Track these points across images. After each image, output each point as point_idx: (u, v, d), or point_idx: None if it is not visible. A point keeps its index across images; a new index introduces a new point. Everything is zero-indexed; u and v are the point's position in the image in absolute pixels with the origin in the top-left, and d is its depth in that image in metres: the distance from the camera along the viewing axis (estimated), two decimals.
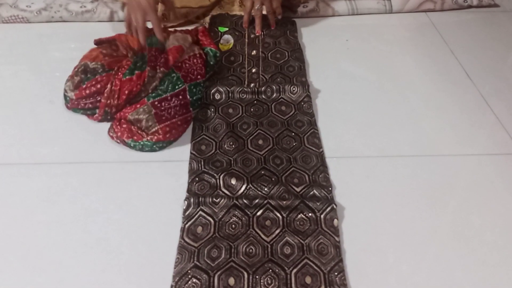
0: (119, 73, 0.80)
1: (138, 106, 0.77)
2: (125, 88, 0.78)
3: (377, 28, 1.11)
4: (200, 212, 0.66)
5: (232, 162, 0.74)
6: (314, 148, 0.77)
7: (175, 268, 0.59)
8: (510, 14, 1.18)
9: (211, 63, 0.89)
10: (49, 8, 1.12)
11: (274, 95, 0.87)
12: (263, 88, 0.87)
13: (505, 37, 1.08)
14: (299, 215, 0.66)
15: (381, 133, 0.81)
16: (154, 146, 0.76)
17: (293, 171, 0.73)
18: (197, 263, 0.60)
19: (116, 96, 0.78)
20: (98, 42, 0.89)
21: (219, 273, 0.59)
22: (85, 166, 0.74)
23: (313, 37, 1.07)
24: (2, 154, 0.76)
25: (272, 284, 0.58)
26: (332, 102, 0.88)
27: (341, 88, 0.91)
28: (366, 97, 0.89)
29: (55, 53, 1.00)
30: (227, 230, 0.64)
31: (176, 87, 0.80)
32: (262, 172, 0.72)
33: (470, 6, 1.18)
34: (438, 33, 1.09)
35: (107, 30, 0.93)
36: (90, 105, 0.80)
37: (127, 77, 0.79)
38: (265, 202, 0.67)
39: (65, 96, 0.83)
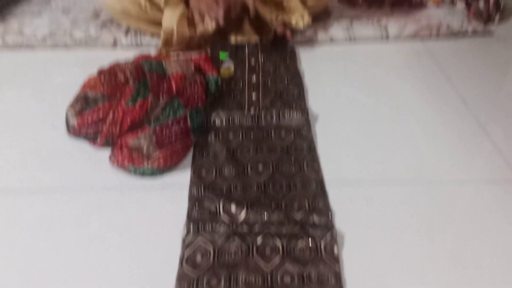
0: (122, 101, 0.81)
1: (140, 133, 0.78)
2: (128, 117, 0.79)
3: (374, 55, 1.13)
4: (200, 239, 0.66)
5: (232, 187, 0.74)
6: (313, 174, 0.77)
7: None
8: (504, 42, 1.21)
9: (212, 89, 0.90)
10: (53, 34, 1.14)
11: (274, 120, 0.88)
12: (263, 113, 0.89)
13: (500, 64, 1.11)
14: (299, 243, 0.65)
15: (380, 159, 0.81)
16: (154, 172, 0.76)
17: (292, 197, 0.73)
18: None
19: (118, 125, 0.79)
20: (100, 72, 0.91)
21: None
22: (86, 192, 0.74)
23: (312, 63, 1.09)
24: (3, 180, 0.77)
25: None
26: (331, 127, 0.89)
27: (340, 114, 0.93)
28: (364, 122, 0.90)
29: (58, 79, 1.02)
30: (226, 259, 0.64)
31: (177, 113, 0.81)
32: (262, 197, 0.73)
33: (465, 33, 1.21)
34: (435, 60, 1.11)
35: (111, 57, 0.95)
36: (92, 132, 0.81)
37: (130, 106, 0.80)
38: (265, 228, 0.67)
39: (67, 123, 0.84)
